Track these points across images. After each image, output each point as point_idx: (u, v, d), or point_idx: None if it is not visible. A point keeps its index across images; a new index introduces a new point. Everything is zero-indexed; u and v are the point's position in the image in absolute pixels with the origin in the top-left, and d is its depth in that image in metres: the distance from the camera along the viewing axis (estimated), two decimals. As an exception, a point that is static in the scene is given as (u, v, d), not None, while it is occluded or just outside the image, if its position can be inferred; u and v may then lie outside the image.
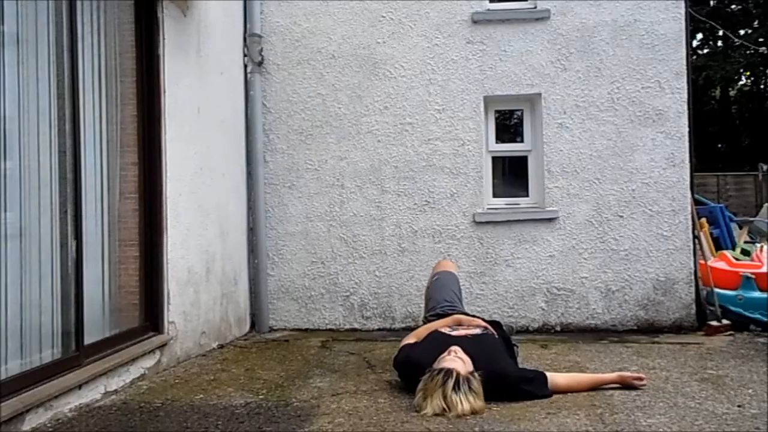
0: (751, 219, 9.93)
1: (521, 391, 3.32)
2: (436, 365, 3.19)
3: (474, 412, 3.03)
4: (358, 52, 5.81)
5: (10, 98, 3.04)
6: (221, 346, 5.00)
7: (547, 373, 3.48)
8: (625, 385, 3.54)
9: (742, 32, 20.20)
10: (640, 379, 3.58)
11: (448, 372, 3.09)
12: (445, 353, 3.27)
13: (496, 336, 3.68)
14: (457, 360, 3.19)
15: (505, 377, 3.32)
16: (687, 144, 5.57)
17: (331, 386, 3.72)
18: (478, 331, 3.63)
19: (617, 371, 3.76)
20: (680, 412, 3.12)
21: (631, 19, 5.61)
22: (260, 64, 5.77)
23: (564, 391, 3.43)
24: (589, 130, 5.63)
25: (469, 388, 3.06)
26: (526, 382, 3.36)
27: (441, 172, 5.72)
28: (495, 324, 3.90)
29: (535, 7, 5.73)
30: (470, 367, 3.19)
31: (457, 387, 3.04)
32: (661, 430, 2.86)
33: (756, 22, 20.17)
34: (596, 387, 3.53)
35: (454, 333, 3.59)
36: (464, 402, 3.02)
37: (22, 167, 3.11)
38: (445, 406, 3.02)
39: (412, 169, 5.75)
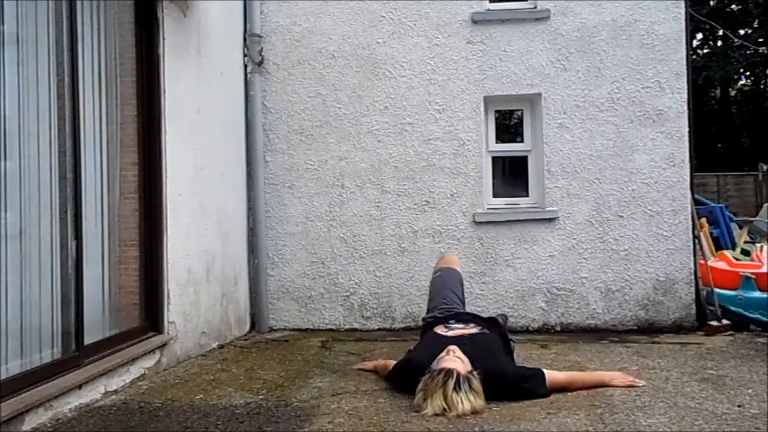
0: (751, 219, 9.90)
1: (520, 390, 3.31)
2: (436, 365, 3.19)
3: (474, 412, 3.03)
4: (358, 52, 5.81)
5: (10, 98, 3.05)
6: (221, 346, 5.00)
7: (546, 371, 3.48)
8: (625, 386, 3.54)
9: (742, 32, 20.20)
10: (639, 379, 3.59)
11: (449, 372, 3.09)
12: (444, 353, 3.26)
13: (491, 333, 3.67)
14: (456, 360, 3.19)
15: (504, 375, 3.32)
16: (687, 144, 5.57)
17: (331, 386, 3.72)
18: (474, 330, 3.62)
19: (617, 371, 3.76)
20: (680, 412, 3.12)
21: (631, 19, 5.61)
22: (260, 64, 5.77)
23: (563, 388, 3.43)
24: (589, 130, 5.63)
25: (470, 387, 3.06)
26: (524, 380, 3.36)
27: (441, 172, 5.72)
28: (491, 321, 3.90)
29: (535, 7, 5.73)
30: (469, 366, 3.19)
31: (457, 387, 3.03)
32: (661, 430, 2.86)
33: (756, 22, 20.17)
34: (596, 386, 3.52)
35: (449, 333, 3.58)
36: (465, 402, 3.02)
37: (22, 167, 3.11)
38: (445, 406, 3.02)
39: (412, 169, 5.75)
